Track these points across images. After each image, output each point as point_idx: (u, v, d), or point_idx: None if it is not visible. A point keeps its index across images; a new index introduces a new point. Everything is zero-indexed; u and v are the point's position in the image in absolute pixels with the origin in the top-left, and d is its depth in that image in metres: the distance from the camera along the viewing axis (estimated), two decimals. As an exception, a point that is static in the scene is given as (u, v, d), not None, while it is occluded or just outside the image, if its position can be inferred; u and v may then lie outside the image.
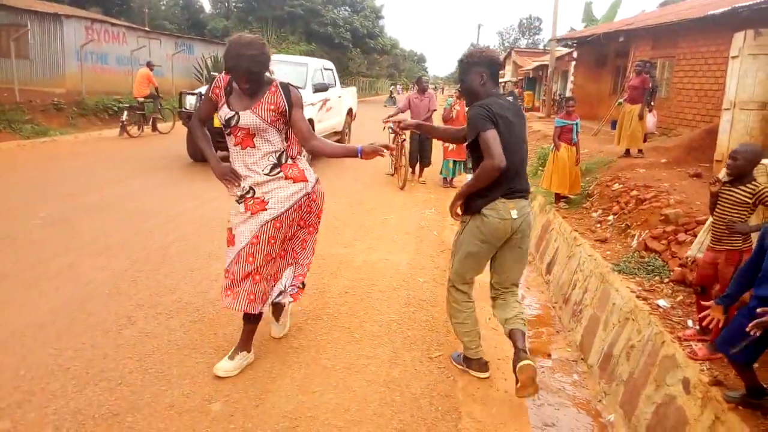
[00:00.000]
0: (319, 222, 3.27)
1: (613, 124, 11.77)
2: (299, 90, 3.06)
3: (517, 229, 3.08)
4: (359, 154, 2.94)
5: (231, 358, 3.12)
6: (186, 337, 3.49)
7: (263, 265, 3.01)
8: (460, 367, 3.41)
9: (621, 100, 10.40)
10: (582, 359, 4.33)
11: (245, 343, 3.20)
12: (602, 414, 3.68)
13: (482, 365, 3.36)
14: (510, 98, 3.30)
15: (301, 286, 3.39)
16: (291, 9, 37.23)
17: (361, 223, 6.65)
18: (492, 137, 2.87)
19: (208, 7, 44.15)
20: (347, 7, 43.29)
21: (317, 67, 11.22)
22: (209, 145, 3.10)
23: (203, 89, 9.18)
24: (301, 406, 2.88)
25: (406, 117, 9.47)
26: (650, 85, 8.69)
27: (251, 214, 2.93)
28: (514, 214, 3.04)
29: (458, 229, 3.30)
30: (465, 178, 10.48)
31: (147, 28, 24.30)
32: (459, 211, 3.21)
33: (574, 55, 18.93)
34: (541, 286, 5.83)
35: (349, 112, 13.45)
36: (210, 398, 2.86)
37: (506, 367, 3.56)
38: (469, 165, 10.18)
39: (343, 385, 3.11)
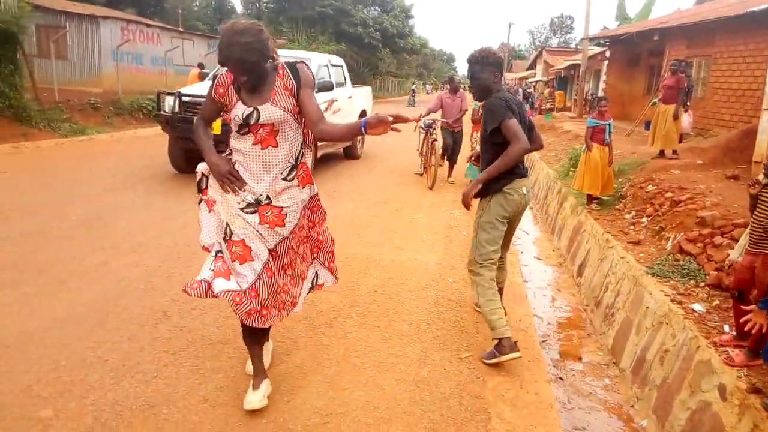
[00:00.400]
0: (325, 214, 2.98)
1: (647, 125, 11.56)
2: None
3: (524, 204, 3.59)
4: (363, 128, 2.47)
5: (256, 387, 2.82)
6: (219, 333, 3.55)
7: (283, 276, 2.74)
8: (492, 360, 3.43)
9: (655, 100, 10.21)
10: (614, 363, 4.27)
11: (262, 368, 2.92)
12: (634, 419, 3.62)
13: (512, 345, 3.39)
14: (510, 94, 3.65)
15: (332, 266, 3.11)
16: (321, 9, 37.47)
17: (390, 222, 6.67)
18: (516, 124, 3.31)
19: (239, 8, 44.74)
20: (377, 7, 43.38)
21: (321, 63, 9.96)
22: (209, 142, 2.72)
23: (186, 89, 8.76)
24: (331, 402, 2.91)
25: (437, 117, 9.50)
26: (686, 85, 8.52)
27: (269, 227, 2.62)
28: (524, 191, 3.54)
29: (478, 212, 3.66)
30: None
31: (180, 29, 24.74)
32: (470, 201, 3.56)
33: (607, 54, 18.65)
34: (572, 288, 5.76)
35: (362, 114, 11.59)
36: (243, 393, 2.91)
37: (536, 369, 3.54)
38: None
39: (372, 383, 3.13)
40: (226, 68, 2.57)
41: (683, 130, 8.97)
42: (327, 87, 9.15)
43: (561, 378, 4.01)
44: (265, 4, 42.15)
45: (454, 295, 4.51)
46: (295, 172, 2.68)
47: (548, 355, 4.30)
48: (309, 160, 2.80)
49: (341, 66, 11.13)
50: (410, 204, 7.73)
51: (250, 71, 2.47)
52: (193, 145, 7.59)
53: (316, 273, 3.06)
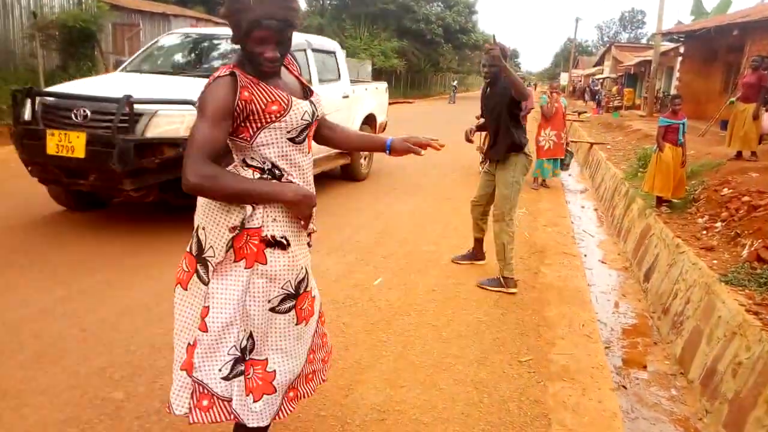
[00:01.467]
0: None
1: (723, 125, 11.01)
2: None
3: None
4: (387, 150, 2.11)
5: None
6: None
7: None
8: (495, 288, 4.46)
9: (733, 99, 9.70)
10: (681, 373, 4.08)
11: None
12: (703, 433, 3.46)
13: (515, 283, 4.53)
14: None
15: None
16: (384, 5, 37.57)
17: (449, 221, 6.63)
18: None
19: (303, 5, 45.47)
20: (440, 3, 43.08)
21: (296, 47, 6.44)
22: (247, 179, 1.79)
23: (51, 88, 5.80)
24: (389, 399, 2.91)
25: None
26: (768, 83, 8.05)
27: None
28: None
29: (505, 171, 4.41)
30: (559, 178, 10.16)
31: (247, 26, 25.34)
32: None
33: (681, 50, 17.88)
34: (638, 294, 5.55)
35: (370, 120, 8.71)
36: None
37: (600, 376, 3.44)
38: (567, 161, 9.81)
39: (430, 381, 3.12)
40: (225, 69, 1.72)
41: (764, 131, 8.47)
42: None
43: (624, 386, 3.87)
44: (329, 2, 42.67)
45: (515, 298, 4.43)
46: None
47: (612, 362, 4.16)
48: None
49: (333, 52, 7.83)
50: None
51: (288, 42, 1.73)
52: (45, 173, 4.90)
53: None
